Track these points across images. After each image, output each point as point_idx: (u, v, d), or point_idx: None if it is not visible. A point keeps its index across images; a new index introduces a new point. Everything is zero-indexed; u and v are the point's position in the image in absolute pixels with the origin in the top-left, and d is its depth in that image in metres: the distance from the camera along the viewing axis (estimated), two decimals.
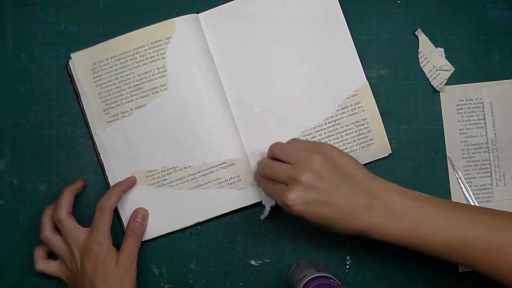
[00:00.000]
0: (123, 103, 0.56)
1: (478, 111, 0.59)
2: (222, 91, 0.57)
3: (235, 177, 0.57)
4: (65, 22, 0.58)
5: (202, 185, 0.57)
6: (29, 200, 0.58)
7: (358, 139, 0.58)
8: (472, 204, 0.58)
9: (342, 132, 0.58)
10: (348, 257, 0.58)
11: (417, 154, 0.59)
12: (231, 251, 0.58)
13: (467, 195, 0.59)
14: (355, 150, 0.58)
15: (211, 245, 0.58)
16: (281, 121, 0.58)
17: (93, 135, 0.57)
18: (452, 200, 0.58)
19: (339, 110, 0.58)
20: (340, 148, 0.57)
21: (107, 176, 0.57)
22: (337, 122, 0.58)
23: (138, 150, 0.56)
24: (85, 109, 0.57)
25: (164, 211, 0.57)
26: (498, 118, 0.59)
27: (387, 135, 0.59)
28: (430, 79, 0.59)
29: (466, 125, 0.59)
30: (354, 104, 0.58)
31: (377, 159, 0.59)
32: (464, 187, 0.59)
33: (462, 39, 0.59)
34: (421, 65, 0.59)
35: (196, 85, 0.56)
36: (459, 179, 0.59)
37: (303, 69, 0.58)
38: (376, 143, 0.58)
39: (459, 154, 0.59)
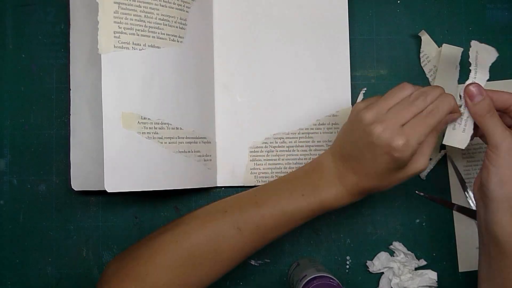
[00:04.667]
0: (138, 35, 0.51)
1: None
2: (211, 71, 0.57)
3: (209, 155, 0.57)
4: (65, 22, 0.58)
5: (186, 152, 0.54)
6: (29, 200, 0.58)
7: None
8: (473, 205, 0.59)
9: (312, 146, 0.58)
10: (348, 257, 0.58)
11: None
12: None
13: (467, 195, 0.59)
14: None
15: None
16: (258, 118, 0.58)
17: (74, 58, 0.55)
18: (453, 201, 0.59)
19: (315, 125, 0.58)
20: (305, 162, 0.57)
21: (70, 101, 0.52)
22: (310, 135, 0.58)
23: (136, 90, 0.52)
24: (71, 28, 0.55)
25: (147, 166, 0.52)
26: None
27: None
28: (430, 79, 0.59)
29: None
30: (332, 124, 0.58)
31: None
32: (464, 187, 0.59)
33: (462, 39, 0.59)
34: (422, 65, 0.59)
35: (194, 55, 0.56)
36: (459, 179, 0.59)
37: (295, 74, 0.58)
38: None
39: (460, 154, 0.59)
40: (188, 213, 0.50)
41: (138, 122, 0.51)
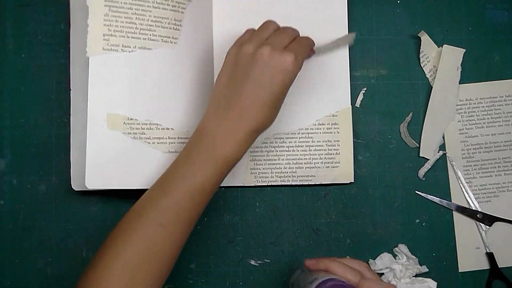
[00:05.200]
0: (128, 37, 0.52)
1: (478, 111, 0.59)
2: (211, 71, 0.57)
3: None
4: (64, 22, 0.58)
5: (176, 152, 0.55)
6: (29, 200, 0.58)
7: (325, 158, 0.58)
8: (472, 205, 0.59)
9: (312, 146, 0.58)
10: (348, 257, 0.58)
11: (416, 154, 0.59)
12: (231, 251, 0.58)
13: (467, 195, 0.59)
14: (319, 167, 0.58)
15: (211, 245, 0.58)
16: None
17: (74, 58, 0.54)
18: (453, 201, 0.59)
19: (315, 125, 0.58)
20: (305, 162, 0.58)
21: (70, 110, 0.55)
22: (310, 135, 0.58)
23: (124, 92, 0.52)
24: (71, 30, 0.55)
25: (131, 165, 0.53)
26: (498, 118, 0.59)
27: (386, 134, 0.59)
28: (430, 79, 0.59)
29: (466, 125, 0.59)
30: (332, 124, 0.58)
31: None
32: (464, 187, 0.59)
33: (462, 39, 0.59)
34: (422, 65, 0.59)
35: (190, 55, 0.55)
36: (459, 179, 0.59)
37: None
38: (341, 168, 0.58)
39: (459, 154, 0.59)
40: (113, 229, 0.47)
41: (124, 123, 0.52)
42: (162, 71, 0.54)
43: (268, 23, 0.50)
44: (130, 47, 0.52)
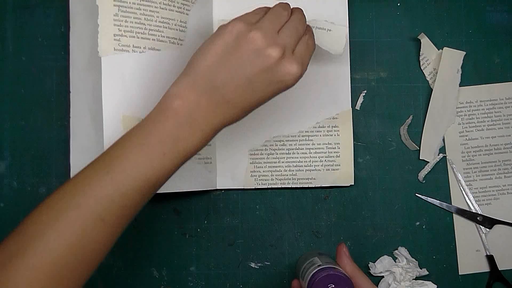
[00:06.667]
0: (138, 38, 0.52)
1: (478, 114, 0.59)
2: None
3: (209, 158, 0.57)
4: (65, 24, 0.58)
5: None
6: (29, 203, 0.57)
7: (325, 160, 0.58)
8: (473, 208, 0.59)
9: (312, 149, 0.58)
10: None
11: (417, 156, 0.59)
12: (231, 253, 0.58)
13: (467, 198, 0.59)
14: (319, 170, 0.58)
15: (211, 247, 0.58)
16: (257, 120, 0.58)
17: (74, 60, 0.54)
18: (453, 204, 0.59)
19: (315, 127, 0.58)
20: (305, 164, 0.58)
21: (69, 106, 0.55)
22: (310, 137, 0.58)
23: (136, 93, 0.52)
24: (71, 31, 0.55)
25: None
26: (498, 121, 0.59)
27: (386, 137, 0.59)
28: (430, 82, 0.59)
29: (466, 127, 0.59)
30: (332, 127, 0.58)
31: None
32: (464, 190, 0.59)
33: (462, 42, 0.59)
34: (422, 67, 0.59)
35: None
36: (459, 182, 0.59)
37: None
38: (341, 171, 0.58)
39: (459, 157, 0.59)
40: (38, 212, 0.41)
41: None
42: (170, 73, 0.53)
43: (281, 9, 0.44)
44: (140, 48, 0.52)
